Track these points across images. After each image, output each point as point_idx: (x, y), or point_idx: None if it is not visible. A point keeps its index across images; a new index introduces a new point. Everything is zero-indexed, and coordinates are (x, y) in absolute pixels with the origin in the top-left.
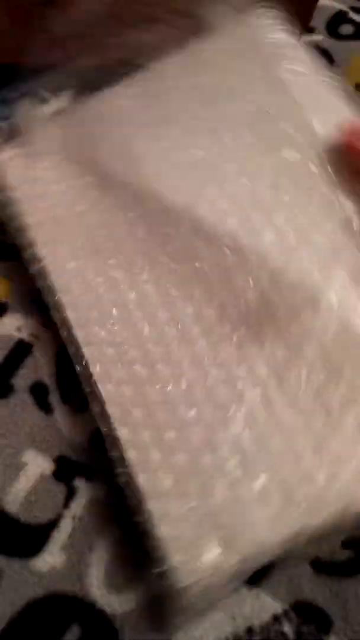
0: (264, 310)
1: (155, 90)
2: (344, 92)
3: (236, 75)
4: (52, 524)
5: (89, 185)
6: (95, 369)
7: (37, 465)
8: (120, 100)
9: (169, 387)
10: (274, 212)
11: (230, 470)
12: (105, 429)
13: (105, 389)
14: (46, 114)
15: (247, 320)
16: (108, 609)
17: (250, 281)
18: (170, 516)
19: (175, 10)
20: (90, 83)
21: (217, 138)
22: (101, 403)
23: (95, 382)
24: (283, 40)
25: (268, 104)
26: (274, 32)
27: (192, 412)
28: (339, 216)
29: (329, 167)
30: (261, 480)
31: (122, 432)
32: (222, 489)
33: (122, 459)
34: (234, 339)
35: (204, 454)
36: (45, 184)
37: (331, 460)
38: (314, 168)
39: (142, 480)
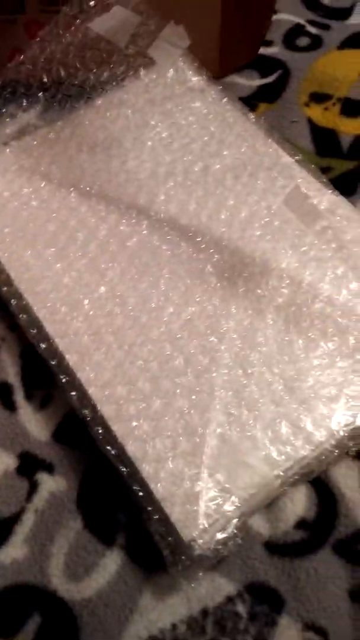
0: (227, 284)
1: (109, 116)
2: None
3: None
4: (15, 518)
5: (50, 195)
6: (72, 358)
7: (0, 461)
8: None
9: (150, 363)
10: (227, 196)
11: (217, 424)
12: (85, 411)
13: (84, 375)
14: (14, 130)
15: (212, 296)
16: (67, 597)
17: (214, 258)
18: (164, 476)
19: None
20: (58, 100)
21: (166, 146)
22: (80, 388)
23: (72, 369)
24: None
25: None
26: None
27: (175, 381)
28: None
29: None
30: (248, 427)
31: (106, 410)
32: (213, 441)
33: (108, 435)
34: (203, 314)
35: (190, 416)
36: (2, 199)
37: (305, 399)
38: (259, 158)
39: (131, 448)
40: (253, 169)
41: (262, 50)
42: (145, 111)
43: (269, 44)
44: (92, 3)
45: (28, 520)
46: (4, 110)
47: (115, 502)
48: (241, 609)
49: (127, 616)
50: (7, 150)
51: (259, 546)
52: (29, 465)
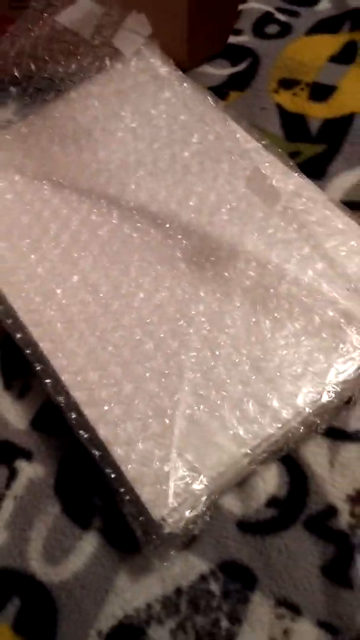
0: (195, 269)
1: (79, 108)
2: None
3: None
4: None
5: (23, 188)
6: (45, 346)
7: None
8: (50, 118)
9: (121, 348)
10: (195, 182)
11: (186, 405)
12: (59, 398)
13: (57, 362)
14: None
15: (181, 281)
16: (46, 580)
17: (183, 243)
18: (135, 457)
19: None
20: (29, 94)
21: (135, 136)
22: (54, 375)
23: (46, 357)
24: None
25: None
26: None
27: (146, 365)
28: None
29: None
30: (216, 407)
31: (78, 395)
32: (182, 422)
33: (81, 420)
34: (173, 299)
35: (160, 398)
36: None
37: (271, 378)
38: (225, 144)
39: (103, 432)
40: (220, 155)
41: (232, 39)
42: (113, 102)
43: (238, 32)
44: None
45: (7, 507)
46: None
47: (92, 487)
48: (214, 587)
49: (103, 597)
50: None
51: (232, 525)
52: (8, 453)
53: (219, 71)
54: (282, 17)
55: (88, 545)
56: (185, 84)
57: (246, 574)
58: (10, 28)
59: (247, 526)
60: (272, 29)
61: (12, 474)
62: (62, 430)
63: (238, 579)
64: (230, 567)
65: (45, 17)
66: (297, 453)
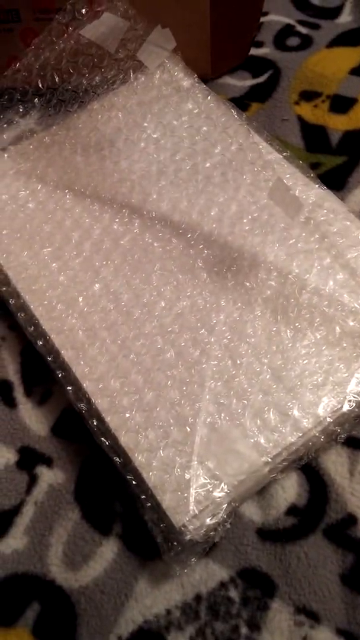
0: (216, 278)
1: (102, 119)
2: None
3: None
4: (16, 510)
5: (46, 197)
6: (67, 353)
7: (1, 456)
8: (73, 129)
9: (142, 356)
10: (216, 193)
11: (207, 414)
12: (81, 405)
13: (79, 370)
14: (12, 135)
15: (203, 290)
16: (66, 585)
17: (204, 253)
18: (156, 464)
19: (117, 57)
20: (53, 105)
21: (157, 147)
22: (76, 382)
23: (68, 364)
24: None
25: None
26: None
27: (167, 373)
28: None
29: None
30: (237, 416)
31: (100, 403)
32: (203, 430)
33: (103, 427)
34: (194, 307)
35: (181, 406)
36: (2, 200)
37: (292, 387)
38: (247, 155)
39: (125, 439)
40: (242, 166)
41: (253, 51)
42: (136, 113)
43: (260, 45)
44: (83, 11)
45: (28, 512)
46: (1, 116)
47: (112, 493)
48: (234, 594)
49: (122, 602)
50: (5, 155)
51: (252, 532)
52: (29, 459)
53: (240, 82)
54: (303, 29)
55: (108, 551)
56: (207, 96)
57: (266, 581)
58: (35, 41)
59: (267, 534)
60: (293, 41)
61: (33, 480)
62: (82, 436)
63: (257, 586)
64: (250, 574)
65: (69, 30)
66: (317, 462)
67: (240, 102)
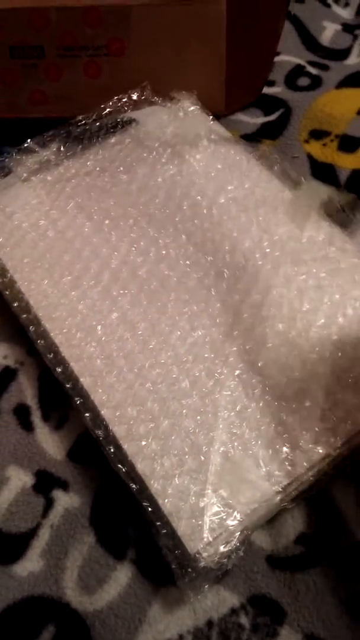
0: (230, 310)
1: (122, 154)
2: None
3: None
4: (32, 533)
5: (65, 227)
6: (86, 381)
7: (18, 479)
8: (93, 162)
9: (158, 385)
10: (231, 228)
11: (220, 443)
12: (98, 432)
13: (97, 397)
14: (33, 166)
15: (216, 321)
16: (81, 609)
17: (219, 285)
18: (171, 492)
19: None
20: (73, 137)
21: (175, 182)
22: (93, 409)
23: (86, 391)
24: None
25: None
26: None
27: (182, 402)
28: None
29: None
30: (250, 446)
31: (117, 430)
32: (217, 459)
33: (119, 454)
34: (208, 338)
35: (195, 435)
36: (21, 231)
37: (303, 419)
38: (260, 192)
39: (141, 466)
40: (255, 202)
41: (265, 90)
42: (153, 148)
43: (271, 84)
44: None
45: (44, 535)
46: (24, 146)
47: (126, 519)
48: (244, 620)
49: (136, 626)
50: (27, 185)
51: (261, 560)
52: (45, 483)
53: (253, 120)
54: (313, 70)
55: (122, 575)
56: (221, 133)
57: (275, 608)
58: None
59: (277, 561)
60: (303, 81)
61: (49, 503)
62: (97, 462)
63: (267, 613)
64: (260, 601)
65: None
66: (325, 492)
67: (252, 139)
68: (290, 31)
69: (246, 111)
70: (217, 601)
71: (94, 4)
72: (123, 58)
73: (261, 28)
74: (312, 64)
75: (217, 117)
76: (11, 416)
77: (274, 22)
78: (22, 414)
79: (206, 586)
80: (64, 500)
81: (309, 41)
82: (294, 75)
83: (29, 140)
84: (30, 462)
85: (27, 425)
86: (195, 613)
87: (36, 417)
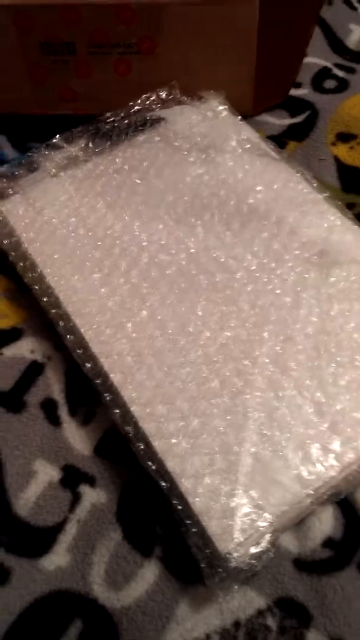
0: (259, 312)
1: (150, 153)
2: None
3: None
4: (59, 527)
5: (95, 224)
6: (116, 377)
7: (45, 473)
8: (121, 160)
9: (188, 384)
10: (260, 229)
11: (251, 443)
12: (127, 428)
13: (127, 394)
14: (62, 162)
15: (246, 322)
16: (108, 605)
17: (248, 287)
18: (202, 491)
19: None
20: (102, 135)
21: (203, 182)
22: (123, 406)
23: (116, 388)
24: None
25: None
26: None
27: (212, 402)
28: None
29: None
30: (280, 447)
31: (147, 427)
32: (247, 460)
33: (149, 451)
34: (237, 339)
35: (225, 435)
36: (51, 226)
37: (334, 421)
38: (288, 194)
39: (171, 464)
40: (285, 204)
41: (292, 92)
42: (181, 148)
43: (298, 85)
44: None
45: (71, 530)
46: (53, 141)
47: (153, 516)
48: (271, 622)
49: (164, 624)
50: (56, 181)
51: (288, 563)
52: (72, 478)
53: (279, 121)
54: (339, 72)
55: (149, 573)
56: (249, 134)
57: (302, 611)
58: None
59: (304, 565)
60: (330, 84)
61: (76, 498)
62: (124, 458)
63: (294, 616)
64: (287, 603)
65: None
66: (353, 496)
67: (278, 140)
68: (317, 33)
69: (272, 112)
70: (244, 602)
71: (127, 2)
72: (153, 56)
73: (292, 29)
74: (339, 66)
75: (244, 117)
76: (38, 410)
77: (305, 23)
78: (49, 408)
79: (235, 587)
80: (91, 496)
81: (336, 44)
82: (320, 78)
83: (57, 135)
84: (57, 457)
85: (54, 420)
86: (223, 613)
87: (63, 412)
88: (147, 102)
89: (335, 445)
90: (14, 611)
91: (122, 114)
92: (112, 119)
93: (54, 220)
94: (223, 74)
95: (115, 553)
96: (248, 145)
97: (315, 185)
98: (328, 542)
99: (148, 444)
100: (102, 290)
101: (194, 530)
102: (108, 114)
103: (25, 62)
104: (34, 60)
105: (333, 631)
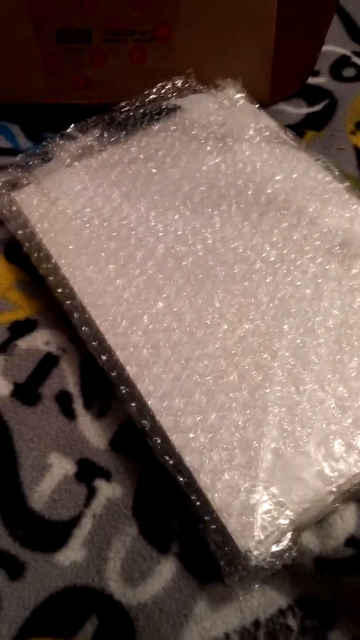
0: (279, 304)
1: (166, 142)
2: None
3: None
4: (74, 522)
5: (110, 214)
6: (132, 370)
7: (60, 467)
8: (137, 150)
9: (206, 377)
10: (279, 219)
11: (271, 439)
12: (144, 422)
13: (144, 387)
14: (74, 151)
15: (265, 314)
16: (124, 601)
17: (267, 279)
18: (220, 487)
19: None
20: (116, 124)
21: (220, 171)
22: (139, 399)
23: (132, 381)
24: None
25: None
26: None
27: (230, 396)
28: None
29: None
30: (301, 443)
31: (164, 421)
32: (267, 455)
33: (166, 446)
34: (257, 331)
35: (245, 430)
36: (66, 217)
37: (357, 417)
38: (308, 183)
39: (189, 459)
40: (304, 194)
41: (309, 80)
42: (199, 137)
43: (316, 74)
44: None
45: (86, 525)
46: (67, 131)
47: (170, 511)
48: (292, 622)
49: (182, 622)
50: (71, 170)
51: (310, 561)
52: (87, 472)
53: (296, 110)
54: (358, 61)
55: (166, 569)
56: (267, 123)
57: (324, 611)
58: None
59: (325, 564)
60: (349, 72)
61: (92, 493)
62: (140, 452)
63: (315, 616)
64: (308, 603)
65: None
66: None
67: (296, 130)
68: (336, 21)
69: (289, 101)
70: (264, 601)
71: None
72: (169, 44)
73: (311, 17)
74: (358, 54)
75: (261, 107)
76: (53, 403)
77: (324, 11)
78: (64, 401)
79: (256, 585)
80: (107, 490)
81: (355, 32)
82: (339, 66)
83: (71, 125)
84: (72, 450)
85: (69, 413)
86: (242, 612)
87: (78, 405)
88: (163, 91)
89: (359, 441)
90: (29, 606)
91: (137, 103)
92: (127, 108)
93: (68, 210)
94: (240, 62)
95: (132, 549)
96: (267, 133)
97: (337, 173)
98: (351, 541)
99: (165, 438)
100: (118, 281)
101: (212, 526)
102: (123, 103)
103: (40, 51)
104: (49, 48)
105: (357, 632)
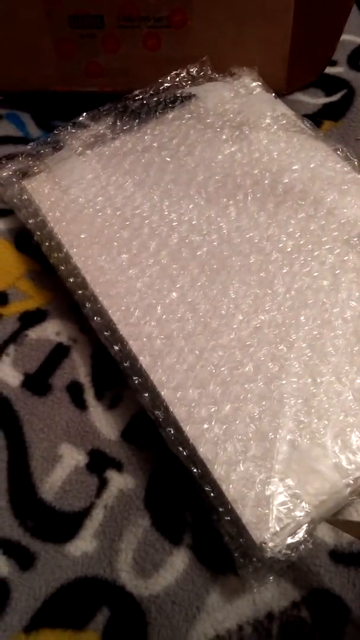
0: (295, 295)
1: (181, 131)
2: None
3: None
4: (85, 512)
5: (123, 204)
6: (145, 360)
7: (71, 457)
8: (151, 138)
9: (220, 368)
10: (296, 209)
11: (287, 430)
12: (157, 412)
13: (157, 377)
14: (86, 139)
15: (281, 306)
16: (136, 593)
17: (283, 270)
18: (235, 478)
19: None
20: (129, 112)
21: (236, 160)
22: (152, 390)
23: (145, 371)
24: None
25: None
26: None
27: (245, 387)
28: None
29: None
30: (318, 435)
31: (178, 412)
32: (283, 447)
33: (180, 437)
34: (272, 322)
35: (260, 421)
36: (78, 206)
37: None
38: (325, 173)
39: (203, 450)
40: (322, 184)
41: (327, 70)
42: (215, 125)
43: (333, 63)
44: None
45: (98, 516)
46: (79, 119)
47: (182, 502)
48: (306, 615)
49: (194, 614)
50: (83, 159)
51: (324, 554)
52: (99, 463)
53: (313, 100)
54: None
55: (179, 561)
56: (284, 112)
57: (338, 605)
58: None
59: (340, 557)
60: None
61: (103, 484)
62: (152, 443)
63: (330, 609)
64: (323, 596)
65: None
66: None
67: (313, 119)
68: (354, 10)
69: (306, 91)
70: (277, 593)
71: None
72: (184, 30)
73: (329, 6)
74: None
75: (277, 96)
76: (64, 393)
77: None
78: (75, 391)
79: (270, 578)
80: (118, 481)
81: None
82: (357, 56)
83: (84, 114)
84: (84, 441)
85: (80, 403)
86: (256, 604)
87: (89, 396)
88: (177, 79)
89: None
90: (40, 597)
91: (151, 91)
92: (140, 96)
93: (80, 199)
94: (256, 50)
95: (144, 540)
96: (284, 122)
97: (356, 163)
98: None
99: (179, 429)
100: (131, 271)
101: (226, 518)
102: (136, 91)
103: (52, 37)
104: (61, 34)
105: None
